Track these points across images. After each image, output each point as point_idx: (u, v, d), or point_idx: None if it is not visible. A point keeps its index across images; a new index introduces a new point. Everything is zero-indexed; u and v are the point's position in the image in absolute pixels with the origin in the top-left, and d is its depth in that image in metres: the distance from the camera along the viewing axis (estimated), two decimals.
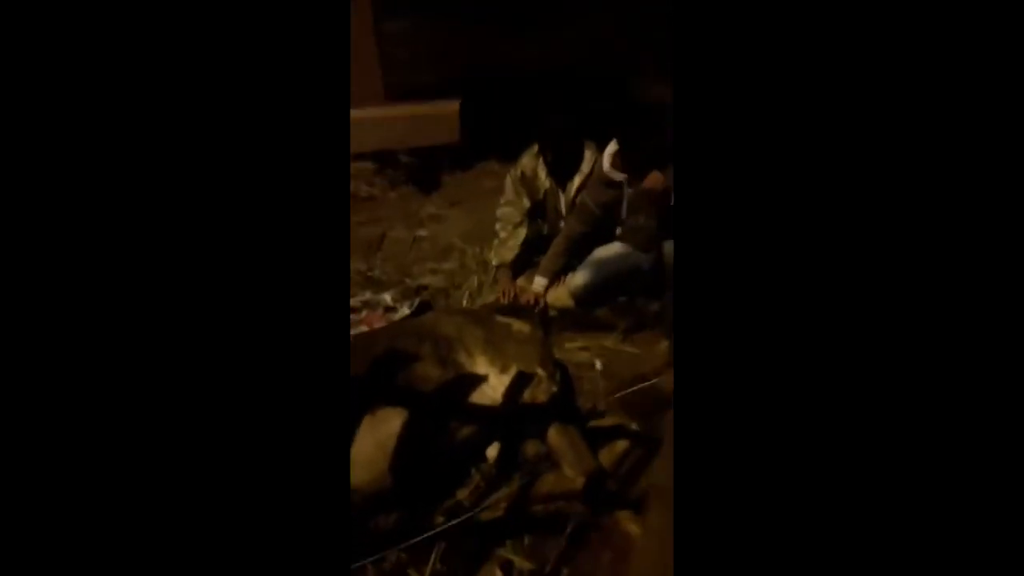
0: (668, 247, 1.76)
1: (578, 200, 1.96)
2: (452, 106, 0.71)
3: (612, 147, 1.78)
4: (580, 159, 1.99)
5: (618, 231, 1.89)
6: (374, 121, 0.65)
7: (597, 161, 1.90)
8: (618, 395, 1.44)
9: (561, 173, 2.01)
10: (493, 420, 1.37)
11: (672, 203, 1.68)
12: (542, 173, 2.04)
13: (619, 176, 1.79)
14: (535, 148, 2.04)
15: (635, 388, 1.44)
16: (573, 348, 1.80)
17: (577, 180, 2.00)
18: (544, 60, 3.06)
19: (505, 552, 1.21)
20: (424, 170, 2.89)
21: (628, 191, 1.76)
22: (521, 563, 1.19)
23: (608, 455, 1.39)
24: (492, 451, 1.39)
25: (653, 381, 1.45)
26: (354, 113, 0.67)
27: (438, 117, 0.69)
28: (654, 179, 1.69)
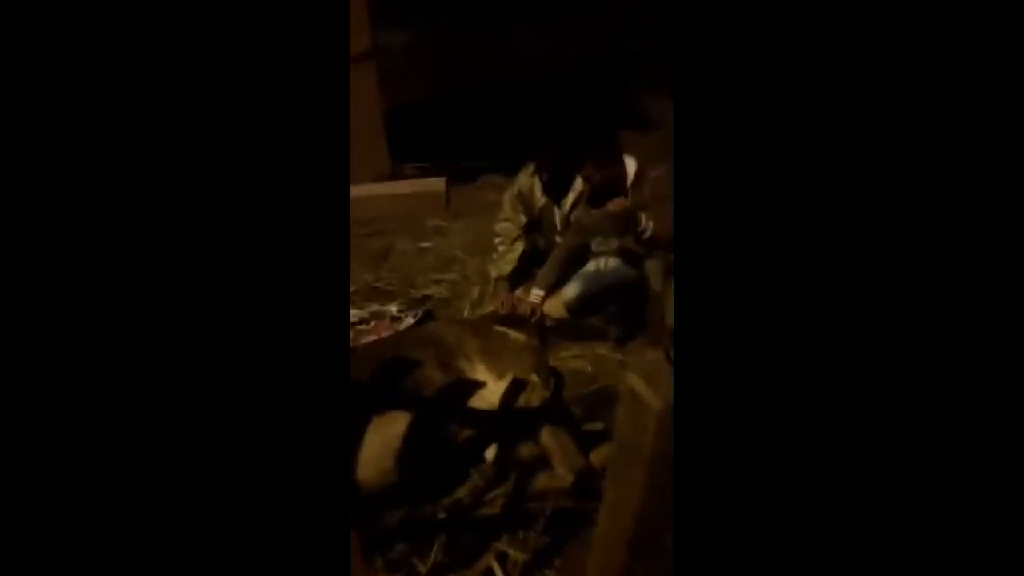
0: (649, 264, 1.87)
1: (572, 216, 2.08)
2: (439, 183, 0.80)
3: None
4: (573, 177, 2.11)
5: (592, 246, 2.01)
6: (373, 199, 0.74)
7: None
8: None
9: (556, 191, 2.13)
10: (490, 423, 1.48)
11: (639, 226, 1.81)
12: (538, 191, 2.16)
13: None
14: (531, 167, 2.16)
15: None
16: (568, 356, 1.91)
17: (571, 197, 2.12)
18: (533, 69, 3.17)
19: (501, 545, 1.31)
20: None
21: (594, 214, 1.89)
22: (516, 555, 1.29)
23: (598, 456, 1.49)
24: (490, 452, 1.49)
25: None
26: (354, 191, 0.73)
27: (427, 194, 0.77)
28: (617, 203, 1.82)
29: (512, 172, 2.31)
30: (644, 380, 0.60)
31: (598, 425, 1.61)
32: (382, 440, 1.33)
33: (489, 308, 2.12)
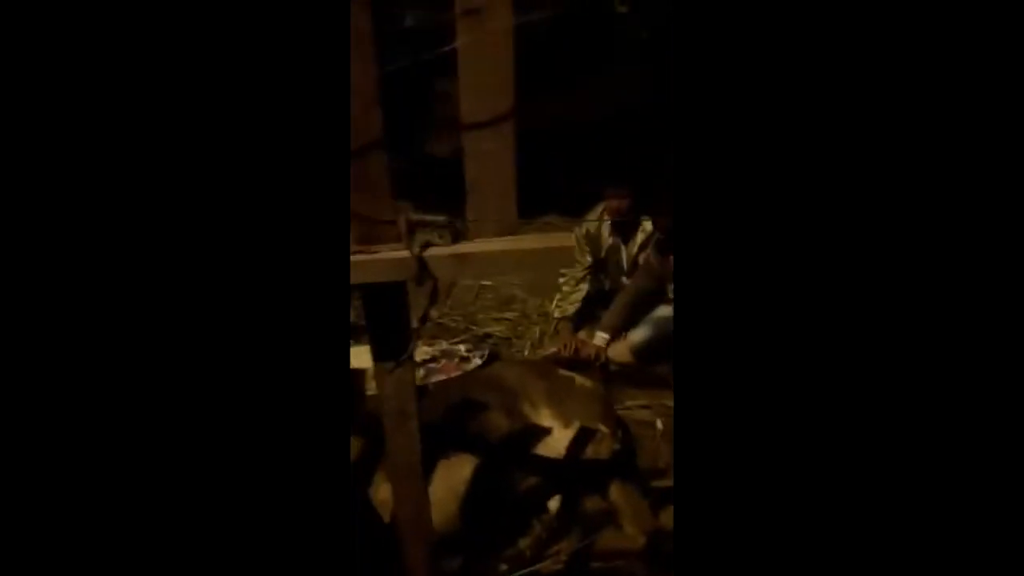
0: None
1: (640, 259, 2.03)
2: (568, 238, 0.79)
3: None
4: (641, 219, 2.07)
5: (669, 292, 1.95)
6: (504, 255, 0.75)
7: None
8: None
9: (624, 232, 2.10)
10: (555, 473, 1.42)
11: None
12: (605, 231, 2.14)
13: None
14: (600, 207, 2.15)
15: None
16: (634, 405, 1.83)
17: (639, 239, 2.08)
18: (598, 112, 3.19)
19: None
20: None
21: (667, 260, 1.84)
22: None
23: (668, 516, 1.40)
24: (553, 503, 1.43)
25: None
26: (481, 245, 0.75)
27: (557, 249, 0.77)
28: None
29: (575, 213, 2.30)
30: None
31: (667, 481, 1.52)
32: (448, 485, 1.31)
33: (551, 349, 2.08)
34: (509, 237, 0.78)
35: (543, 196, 3.00)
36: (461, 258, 0.77)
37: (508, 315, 2.40)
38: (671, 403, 1.83)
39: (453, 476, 1.32)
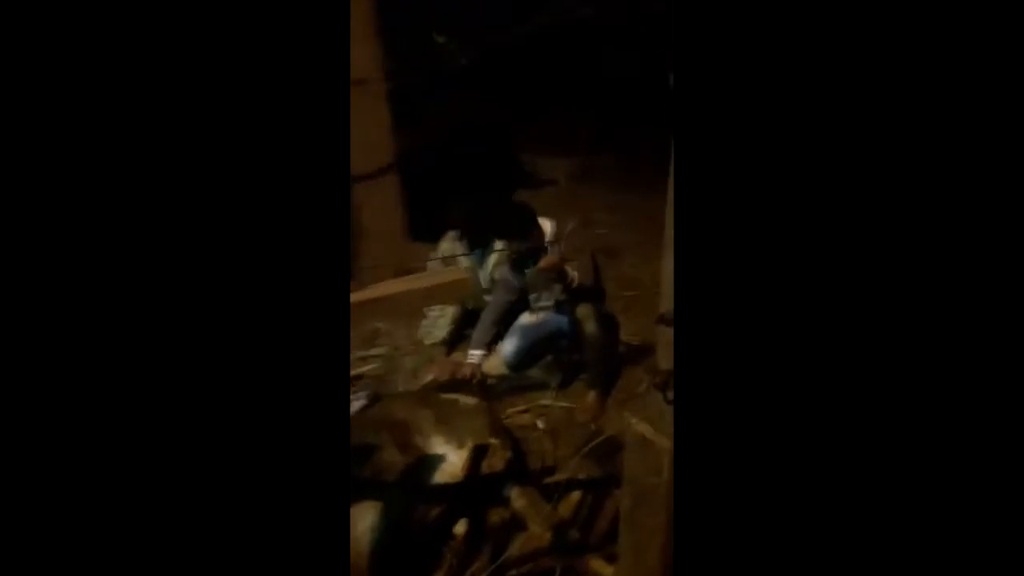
0: (580, 310, 2.02)
1: (497, 275, 2.17)
2: (462, 272, 0.84)
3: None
4: (492, 239, 2.22)
5: (531, 303, 2.13)
6: (404, 296, 0.77)
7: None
8: (581, 452, 1.61)
9: (479, 252, 2.22)
10: (458, 496, 1.45)
11: (567, 278, 1.97)
12: (461, 255, 2.24)
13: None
14: (454, 233, 2.24)
15: (593, 444, 1.63)
16: (514, 412, 1.94)
17: (493, 258, 2.22)
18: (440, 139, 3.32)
19: None
20: None
21: (528, 273, 2.03)
22: None
23: (566, 506, 1.52)
24: (460, 527, 1.45)
25: (607, 435, 1.64)
26: (381, 288, 0.76)
27: (455, 283, 0.81)
28: (548, 261, 1.98)
29: (431, 240, 2.36)
30: (649, 424, 0.66)
31: (557, 476, 1.64)
32: (353, 537, 1.25)
33: (428, 376, 2.09)
34: (405, 277, 0.81)
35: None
36: (360, 306, 0.77)
37: (376, 351, 2.34)
38: (547, 402, 1.99)
39: (356, 527, 1.27)
